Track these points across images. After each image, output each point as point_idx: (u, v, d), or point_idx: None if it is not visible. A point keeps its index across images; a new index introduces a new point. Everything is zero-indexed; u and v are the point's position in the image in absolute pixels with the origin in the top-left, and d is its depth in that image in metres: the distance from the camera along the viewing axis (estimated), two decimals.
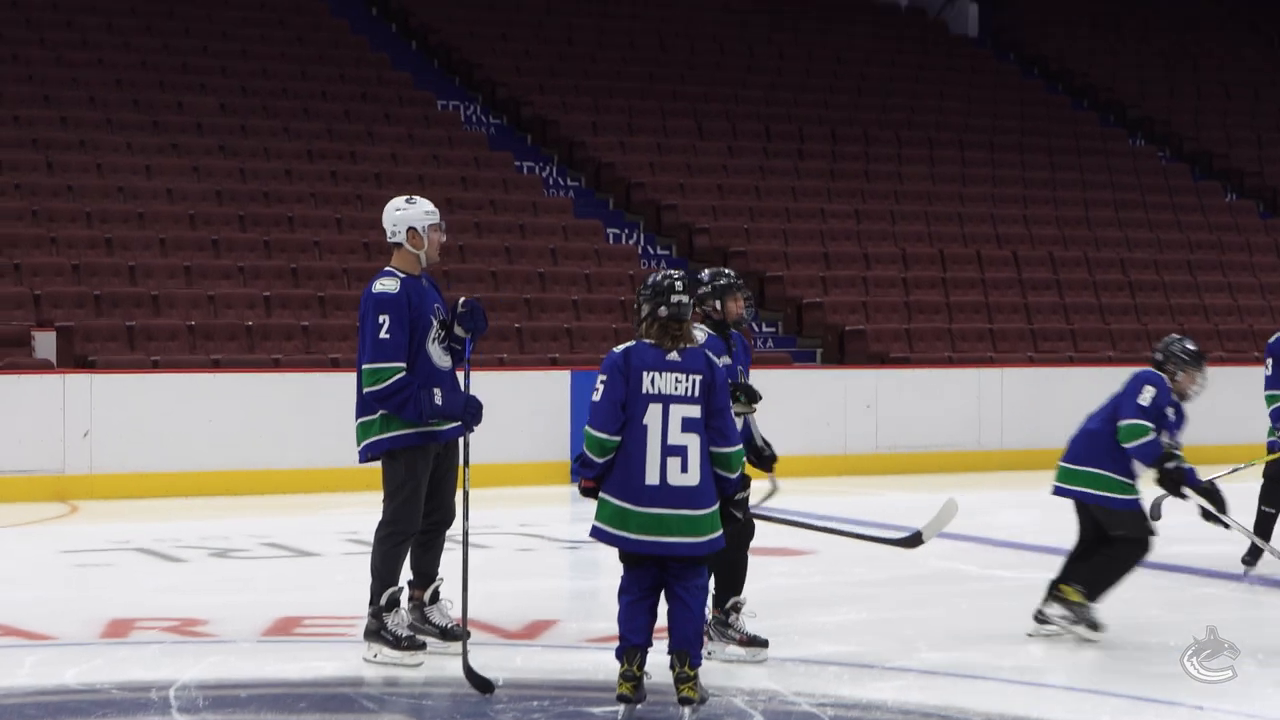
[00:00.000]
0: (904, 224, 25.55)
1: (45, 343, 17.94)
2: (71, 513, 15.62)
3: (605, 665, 8.43)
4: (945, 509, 8.80)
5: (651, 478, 7.39)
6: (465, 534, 8.50)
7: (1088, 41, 34.26)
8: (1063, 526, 14.97)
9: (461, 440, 8.72)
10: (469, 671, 7.95)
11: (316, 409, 16.97)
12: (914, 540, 8.83)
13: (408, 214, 8.84)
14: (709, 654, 8.40)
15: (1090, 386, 21.14)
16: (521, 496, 16.78)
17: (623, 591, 7.61)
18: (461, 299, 8.92)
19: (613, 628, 9.31)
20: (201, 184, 22.17)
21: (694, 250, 24.21)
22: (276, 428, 17.19)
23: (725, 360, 8.45)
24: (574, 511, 15.31)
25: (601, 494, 7.51)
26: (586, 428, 7.48)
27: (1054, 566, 12.46)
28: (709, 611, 8.61)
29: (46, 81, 24.10)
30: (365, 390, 8.66)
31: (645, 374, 7.43)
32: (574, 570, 12.88)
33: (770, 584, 11.43)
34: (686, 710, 7.47)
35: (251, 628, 9.55)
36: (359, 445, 8.81)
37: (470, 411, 8.63)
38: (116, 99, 24.13)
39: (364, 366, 8.65)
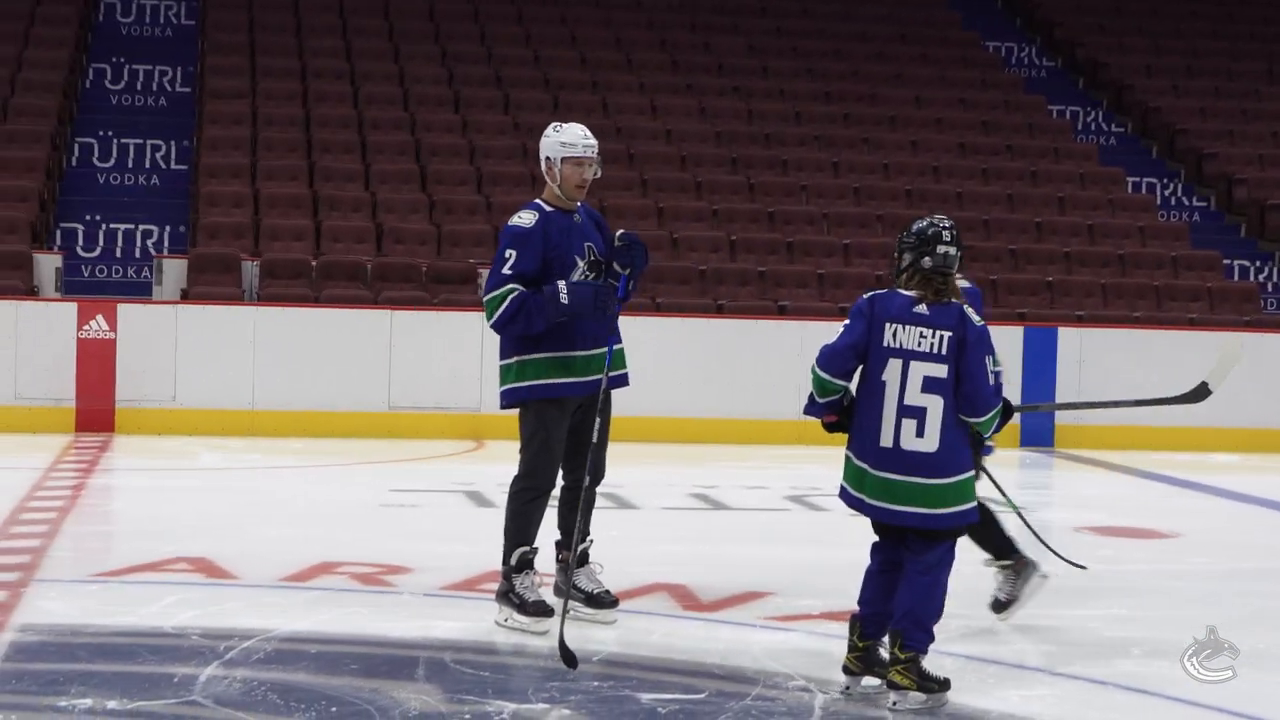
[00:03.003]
0: None
1: None
2: (473, 450, 15.51)
3: (744, 647, 7.57)
4: (1227, 351, 7.42)
5: (885, 439, 6.63)
6: (585, 490, 7.84)
7: None
8: None
9: (601, 389, 7.90)
10: (560, 642, 7.20)
11: (766, 356, 16.40)
12: (1201, 393, 7.45)
13: (545, 142, 7.99)
14: None
15: None
16: None
17: (870, 557, 6.89)
18: (620, 232, 8.09)
19: (817, 605, 8.56)
20: (703, 124, 21.78)
21: (1231, 202, 22.31)
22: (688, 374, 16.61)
23: None
24: None
25: (847, 451, 6.80)
26: (813, 364, 6.77)
27: None
28: None
29: (579, 22, 24.27)
30: (490, 324, 7.94)
31: (888, 325, 6.67)
32: (840, 538, 11.37)
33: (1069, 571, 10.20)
34: (894, 695, 6.62)
35: (437, 580, 8.96)
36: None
37: (600, 304, 7.74)
38: (644, 39, 24.07)
39: (484, 298, 7.95)
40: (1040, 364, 16.62)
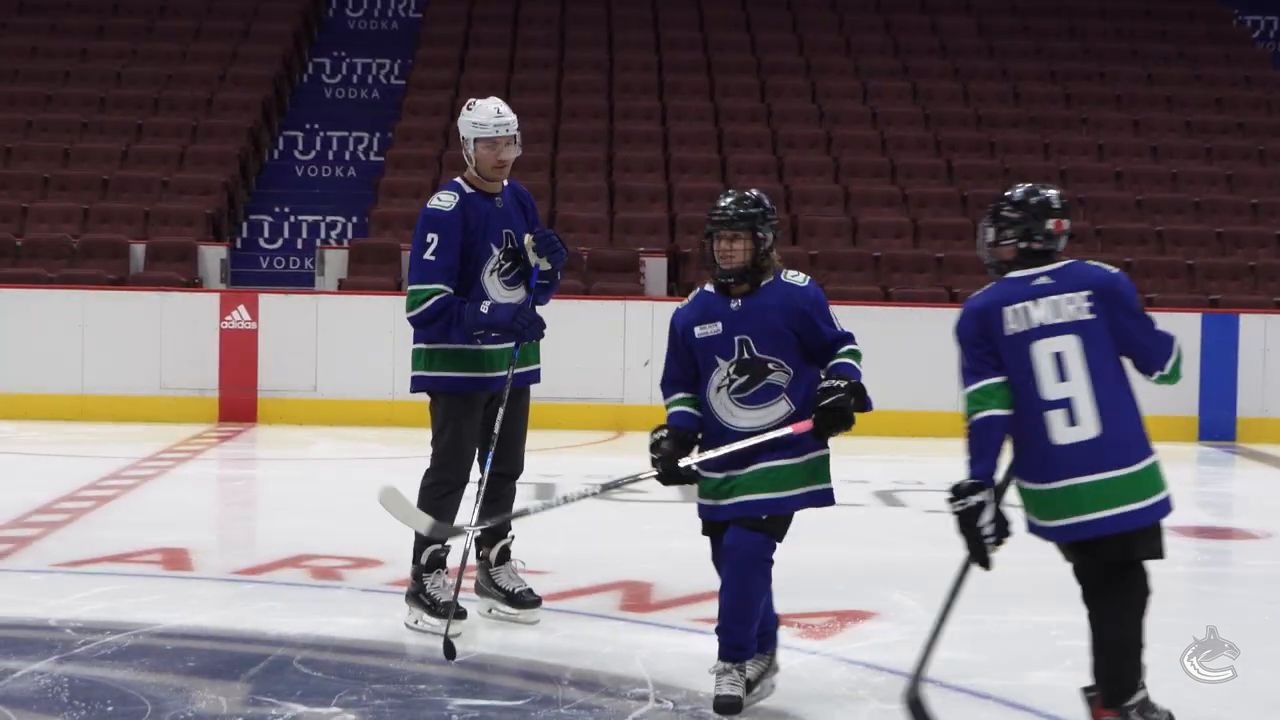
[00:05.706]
0: None
1: (656, 269, 17.49)
2: (608, 441, 15.14)
3: (633, 651, 7.07)
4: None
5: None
6: (479, 485, 7.47)
7: None
8: None
9: (507, 384, 7.48)
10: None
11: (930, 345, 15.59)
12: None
13: (460, 121, 7.61)
14: None
15: None
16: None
17: None
18: (536, 228, 7.62)
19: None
20: (912, 107, 21.04)
21: None
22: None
23: None
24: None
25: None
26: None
27: None
28: None
29: (804, 5, 23.72)
30: (408, 316, 7.55)
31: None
32: (851, 535, 10.25)
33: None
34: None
35: (395, 574, 8.49)
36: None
37: (521, 323, 7.35)
38: (866, 22, 23.39)
39: (407, 288, 7.57)
40: (1220, 353, 15.54)
